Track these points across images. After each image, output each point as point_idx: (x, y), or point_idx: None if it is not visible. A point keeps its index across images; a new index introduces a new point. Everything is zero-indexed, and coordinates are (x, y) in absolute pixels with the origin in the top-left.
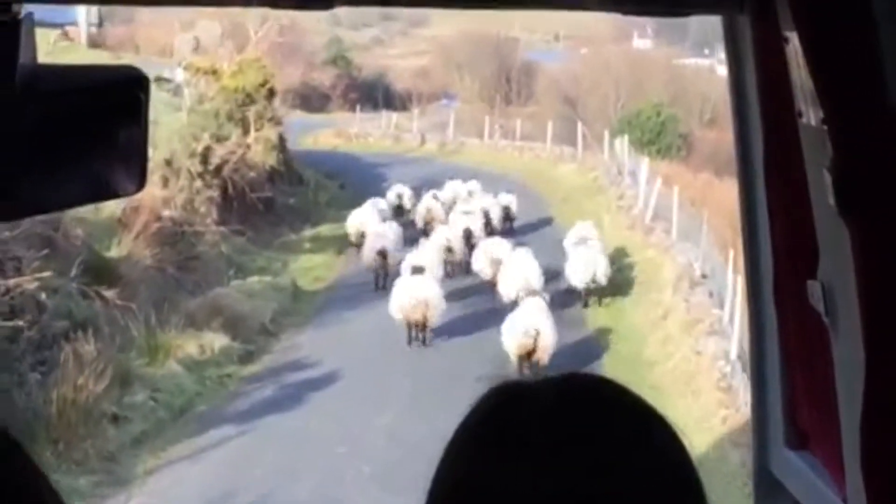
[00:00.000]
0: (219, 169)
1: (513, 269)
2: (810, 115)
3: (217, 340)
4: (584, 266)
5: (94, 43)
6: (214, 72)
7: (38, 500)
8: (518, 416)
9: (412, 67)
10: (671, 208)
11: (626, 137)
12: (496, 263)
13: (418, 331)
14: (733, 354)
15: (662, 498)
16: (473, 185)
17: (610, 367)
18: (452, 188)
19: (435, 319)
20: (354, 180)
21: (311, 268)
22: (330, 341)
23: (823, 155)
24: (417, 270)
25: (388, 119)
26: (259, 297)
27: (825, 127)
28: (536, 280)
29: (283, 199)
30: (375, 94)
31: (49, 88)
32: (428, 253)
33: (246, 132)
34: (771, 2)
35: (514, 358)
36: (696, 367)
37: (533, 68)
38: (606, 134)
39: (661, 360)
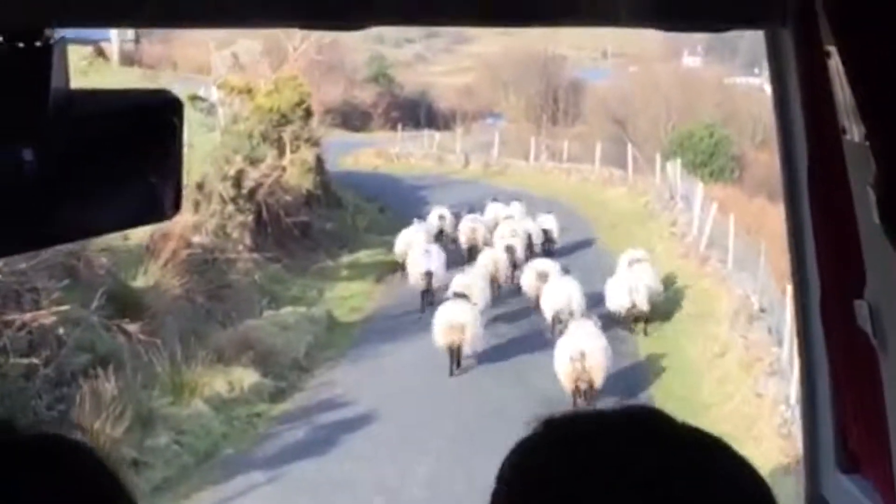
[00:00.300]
0: (252, 192)
1: (556, 291)
2: (853, 131)
3: (247, 377)
4: (630, 290)
5: (129, 60)
6: (249, 90)
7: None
8: (577, 451)
9: (456, 85)
10: (726, 235)
11: (678, 161)
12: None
13: (457, 356)
14: (793, 398)
15: None
16: (515, 207)
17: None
18: (493, 210)
19: (471, 344)
20: (395, 203)
21: (348, 297)
22: (366, 377)
23: (867, 171)
24: (460, 295)
25: (431, 139)
26: (292, 329)
27: (868, 143)
28: (578, 303)
29: (320, 223)
30: (418, 113)
31: (82, 113)
32: (473, 277)
33: (281, 154)
34: (813, 16)
35: (565, 383)
36: (756, 410)
37: (580, 87)
38: (658, 157)
39: (718, 401)
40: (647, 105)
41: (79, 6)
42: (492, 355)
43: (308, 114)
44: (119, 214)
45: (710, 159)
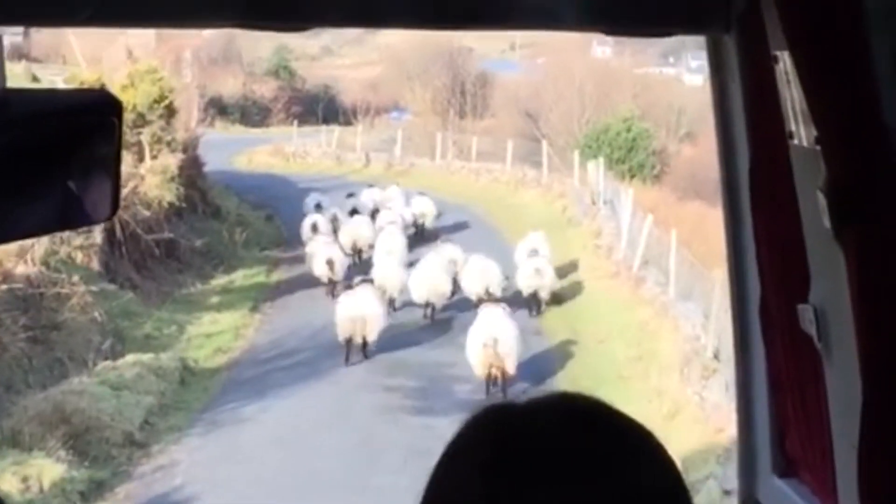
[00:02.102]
0: None
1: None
2: (801, 136)
3: (50, 469)
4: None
5: (17, 54)
6: (102, 85)
7: None
8: (510, 437)
9: (362, 78)
10: (658, 247)
11: (600, 160)
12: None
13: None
14: None
15: None
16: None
17: None
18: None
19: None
20: (285, 210)
21: (215, 333)
22: (218, 457)
23: (816, 176)
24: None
25: (331, 135)
26: (129, 388)
27: (818, 147)
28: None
29: (188, 239)
30: (320, 108)
31: (18, 113)
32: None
33: (140, 160)
34: (759, 21)
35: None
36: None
37: (488, 79)
38: (576, 155)
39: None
40: (559, 98)
41: (16, 6)
42: None
43: (170, 112)
44: (57, 215)
45: (628, 155)
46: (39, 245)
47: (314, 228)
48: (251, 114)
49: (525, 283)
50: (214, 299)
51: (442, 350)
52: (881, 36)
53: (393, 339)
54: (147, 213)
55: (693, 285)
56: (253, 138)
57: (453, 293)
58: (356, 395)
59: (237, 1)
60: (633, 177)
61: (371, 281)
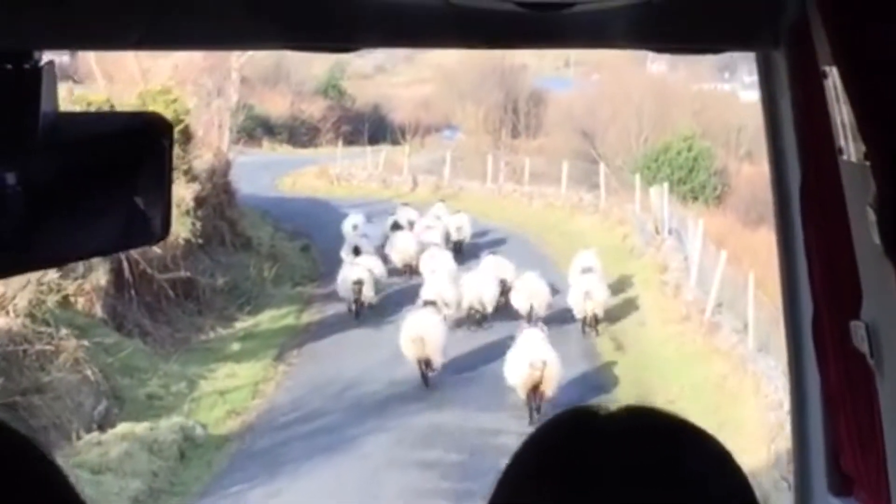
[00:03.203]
0: None
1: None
2: (851, 151)
3: None
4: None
5: (64, 74)
6: (111, 107)
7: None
8: (587, 443)
9: (414, 97)
10: (731, 286)
11: (665, 185)
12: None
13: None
14: None
15: None
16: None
17: None
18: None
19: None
20: (323, 240)
21: (230, 390)
22: None
23: (866, 192)
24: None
25: (377, 156)
26: (116, 469)
27: (867, 163)
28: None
29: (213, 276)
30: (369, 127)
31: (71, 136)
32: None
33: None
34: (808, 36)
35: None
36: None
37: (542, 97)
38: (637, 179)
39: None
40: (615, 116)
41: (68, 30)
42: None
43: (186, 137)
44: (107, 237)
45: (689, 175)
46: (22, 294)
47: (356, 252)
48: (299, 133)
49: (578, 305)
50: (235, 347)
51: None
52: None
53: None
54: (157, 251)
55: (771, 335)
56: (301, 159)
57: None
58: (386, 474)
59: (284, 23)
60: (695, 199)
61: (434, 303)
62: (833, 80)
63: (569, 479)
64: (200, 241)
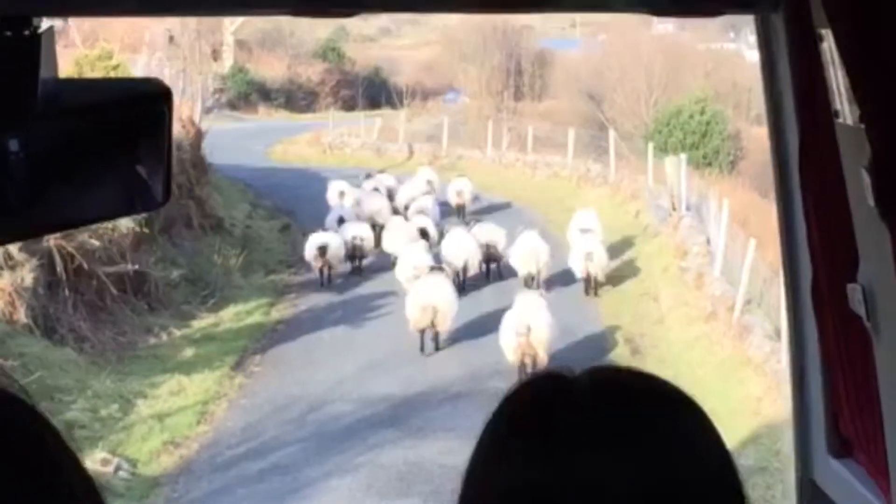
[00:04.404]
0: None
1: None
2: (846, 115)
3: None
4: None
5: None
6: None
7: (59, 456)
8: (555, 405)
9: (418, 59)
10: (757, 277)
11: (682, 156)
12: None
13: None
14: None
15: (699, 480)
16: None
17: None
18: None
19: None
20: (307, 217)
21: (170, 413)
22: None
23: (861, 154)
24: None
25: (371, 122)
26: None
27: (863, 126)
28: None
29: (165, 268)
30: (371, 91)
31: (71, 103)
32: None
33: None
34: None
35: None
36: None
37: (548, 58)
38: (650, 148)
39: None
40: (623, 77)
41: None
42: None
43: None
44: (108, 204)
45: (702, 140)
46: None
47: (340, 221)
48: (297, 98)
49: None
50: (188, 353)
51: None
52: None
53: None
54: (97, 243)
55: None
56: (296, 125)
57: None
58: None
59: None
60: (708, 164)
61: (441, 268)
62: (829, 43)
63: (538, 439)
64: (159, 226)
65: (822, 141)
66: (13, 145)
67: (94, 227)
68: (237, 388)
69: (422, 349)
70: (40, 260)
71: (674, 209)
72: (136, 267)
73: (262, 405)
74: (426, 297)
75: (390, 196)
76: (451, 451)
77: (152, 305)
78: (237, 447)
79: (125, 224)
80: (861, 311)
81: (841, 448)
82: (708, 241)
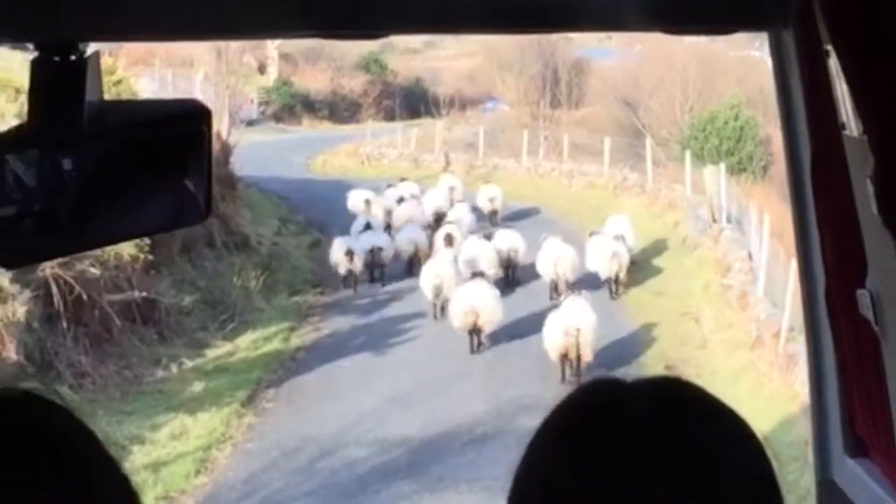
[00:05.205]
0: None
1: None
2: (852, 126)
3: None
4: None
5: (111, 55)
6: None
7: (91, 459)
8: (612, 412)
9: (460, 69)
10: (796, 294)
11: (721, 166)
12: None
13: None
14: None
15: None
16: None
17: None
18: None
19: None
20: (339, 231)
21: (168, 462)
22: None
23: (867, 165)
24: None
25: (409, 132)
26: None
27: (866, 137)
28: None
29: (178, 293)
30: (412, 101)
31: (115, 124)
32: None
33: None
34: (812, 17)
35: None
36: None
37: (585, 66)
38: (688, 156)
39: None
40: (659, 85)
41: (111, 22)
42: None
43: None
44: (154, 219)
45: (736, 146)
46: None
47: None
48: (340, 109)
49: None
50: (197, 387)
51: None
52: None
53: None
54: (97, 272)
55: None
56: (338, 136)
57: None
58: None
59: (320, 10)
60: (742, 170)
61: (482, 274)
62: (835, 58)
63: (586, 446)
64: (178, 246)
65: (831, 152)
66: (66, 164)
67: (96, 253)
68: (245, 428)
69: (471, 350)
70: (34, 291)
71: (714, 220)
72: (145, 294)
73: (269, 449)
74: (469, 301)
75: None
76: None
77: (163, 334)
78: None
79: (127, 250)
80: (870, 315)
81: (857, 448)
82: (750, 256)
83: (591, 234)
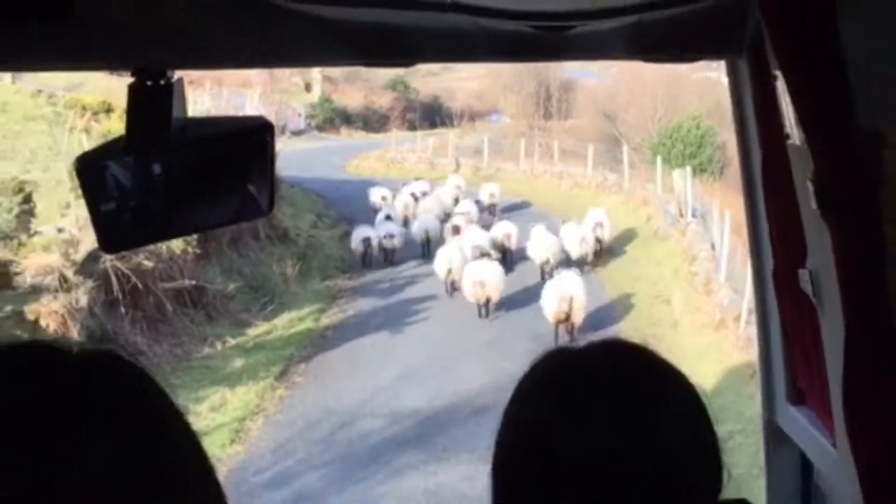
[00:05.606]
0: (94, 258)
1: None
2: (795, 137)
3: None
4: None
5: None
6: (108, 110)
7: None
8: (568, 376)
9: (470, 89)
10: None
11: (688, 169)
12: None
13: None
14: None
15: (685, 451)
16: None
17: None
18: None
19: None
20: (366, 222)
21: (208, 432)
22: None
23: (807, 169)
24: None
25: (427, 140)
26: None
27: (807, 146)
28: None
29: (227, 279)
30: (431, 114)
31: (196, 136)
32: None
33: None
34: (763, 48)
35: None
36: None
37: (572, 85)
38: (659, 160)
39: None
40: (633, 100)
41: (192, 53)
42: None
43: None
44: (226, 213)
45: (697, 151)
46: None
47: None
48: (372, 121)
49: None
50: (237, 363)
51: None
52: (855, 58)
53: None
54: (150, 265)
55: None
56: (370, 143)
57: None
58: None
59: (362, 44)
60: (703, 171)
61: (489, 254)
62: (781, 81)
63: (557, 396)
64: (227, 238)
65: (778, 158)
66: (156, 169)
67: (150, 248)
68: (277, 401)
69: (479, 315)
70: (96, 281)
71: (681, 215)
72: (195, 281)
73: (294, 421)
74: (478, 276)
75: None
76: (471, 478)
77: (211, 315)
78: (263, 472)
79: (177, 245)
80: (809, 290)
81: (797, 397)
82: (713, 247)
83: (564, 222)
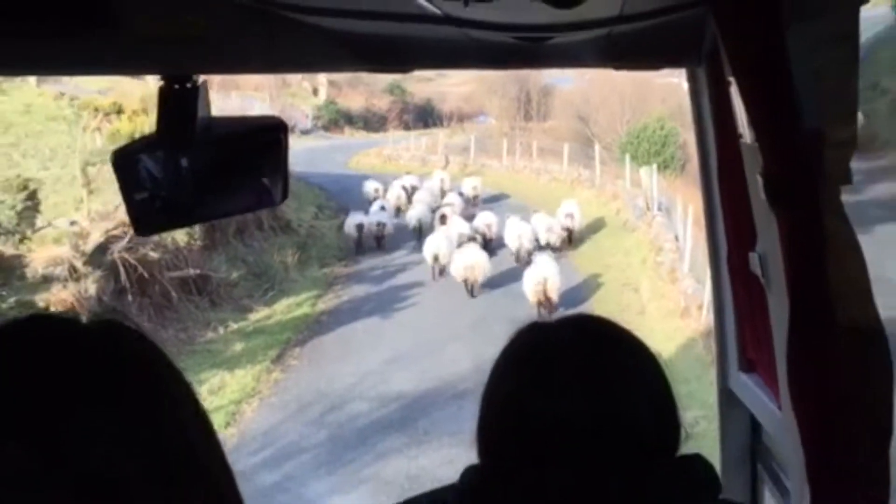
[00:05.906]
0: (103, 249)
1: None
2: (747, 136)
3: None
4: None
5: None
6: (119, 111)
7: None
8: (543, 348)
9: (460, 93)
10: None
11: (654, 167)
12: None
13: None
14: None
15: (645, 412)
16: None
17: None
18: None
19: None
20: (363, 212)
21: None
22: None
23: (758, 165)
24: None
25: (419, 140)
26: None
27: (757, 144)
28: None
29: (235, 266)
30: (424, 115)
31: (218, 134)
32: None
33: None
34: (719, 58)
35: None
36: None
37: (550, 90)
38: (628, 158)
39: None
40: (604, 103)
41: (215, 58)
42: None
43: None
44: (244, 202)
45: (661, 149)
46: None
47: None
48: (372, 122)
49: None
50: (237, 347)
51: None
52: (800, 66)
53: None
54: (153, 255)
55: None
56: (370, 142)
57: None
58: None
59: (358, 51)
60: (666, 167)
61: (475, 239)
62: (735, 87)
63: (534, 367)
64: (233, 228)
65: (732, 155)
66: (183, 162)
67: (155, 239)
68: (272, 384)
69: (468, 293)
70: (104, 271)
71: (648, 208)
72: (199, 271)
73: (288, 403)
74: (468, 259)
75: (413, 191)
76: (451, 461)
77: (215, 301)
78: (256, 454)
79: (180, 237)
80: (758, 271)
81: (747, 366)
82: (677, 238)
83: (534, 211)
